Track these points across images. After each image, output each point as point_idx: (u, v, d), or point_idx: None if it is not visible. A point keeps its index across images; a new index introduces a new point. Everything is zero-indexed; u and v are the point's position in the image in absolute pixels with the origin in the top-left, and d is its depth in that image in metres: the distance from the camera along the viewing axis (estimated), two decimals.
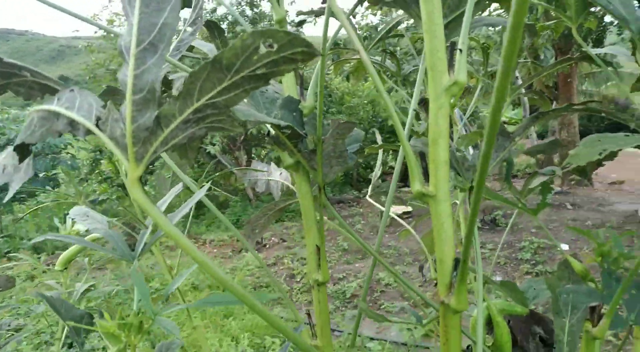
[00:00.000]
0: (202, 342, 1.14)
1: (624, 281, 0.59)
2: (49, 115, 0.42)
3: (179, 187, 0.65)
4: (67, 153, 8.38)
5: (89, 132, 0.40)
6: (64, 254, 1.20)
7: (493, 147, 0.37)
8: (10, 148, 0.46)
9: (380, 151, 1.28)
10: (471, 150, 0.88)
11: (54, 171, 8.19)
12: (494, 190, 0.79)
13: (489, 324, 0.77)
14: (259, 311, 0.43)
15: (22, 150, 0.43)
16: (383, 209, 1.13)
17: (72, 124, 0.41)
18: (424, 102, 0.93)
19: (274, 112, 0.66)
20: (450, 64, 0.51)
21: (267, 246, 6.35)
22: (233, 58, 0.37)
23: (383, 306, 4.47)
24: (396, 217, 1.35)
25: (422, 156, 0.52)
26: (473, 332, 0.76)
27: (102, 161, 8.28)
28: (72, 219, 1.33)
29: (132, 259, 0.52)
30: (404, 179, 8.51)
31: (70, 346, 3.50)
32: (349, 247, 6.09)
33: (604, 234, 0.73)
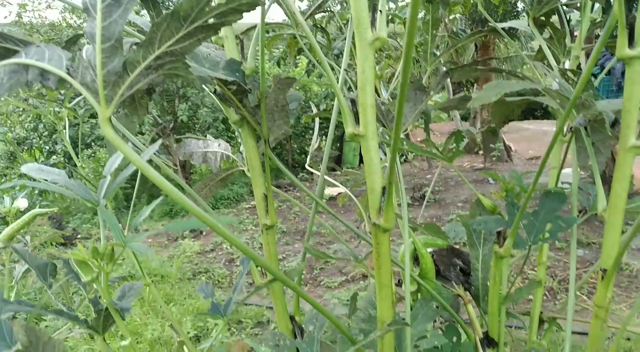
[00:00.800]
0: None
1: (521, 207, 0.71)
2: (18, 68, 0.46)
3: (129, 145, 0.70)
4: None
5: (60, 80, 0.45)
6: (8, 229, 1.20)
7: (407, 88, 0.45)
8: None
9: (317, 124, 1.37)
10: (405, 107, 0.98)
11: None
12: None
13: (417, 258, 0.88)
14: (221, 232, 0.51)
15: None
16: (318, 173, 1.22)
17: (43, 75, 0.46)
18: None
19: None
20: (373, 24, 0.60)
21: (204, 233, 6.31)
22: (189, 9, 0.44)
23: (323, 282, 4.62)
24: (333, 183, 1.45)
25: (353, 102, 0.61)
26: (402, 261, 0.87)
27: (21, 153, 7.82)
28: (14, 197, 1.31)
29: (97, 203, 0.58)
30: (338, 161, 8.71)
31: None
32: (287, 229, 6.18)
33: (509, 176, 0.86)
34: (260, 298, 4.51)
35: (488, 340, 0.80)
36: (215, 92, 0.70)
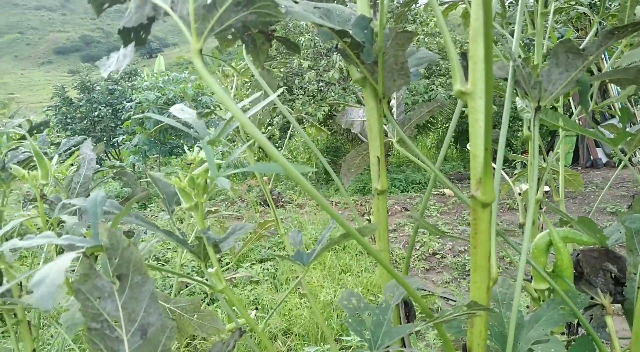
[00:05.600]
0: None
1: None
2: (141, 3, 0.53)
3: (257, 95, 0.75)
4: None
5: (166, 14, 0.50)
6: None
7: (491, 25, 0.39)
8: (127, 47, 0.58)
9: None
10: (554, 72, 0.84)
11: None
12: None
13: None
14: (306, 187, 0.51)
15: (124, 35, 0.55)
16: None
17: (155, 8, 0.51)
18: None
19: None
20: None
21: (390, 213, 6.42)
22: None
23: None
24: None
25: (463, 56, 0.54)
26: (534, 258, 0.76)
27: None
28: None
29: (208, 136, 0.63)
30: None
31: None
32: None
33: None
34: (435, 286, 4.43)
35: None
36: (336, 47, 0.69)
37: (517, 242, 0.74)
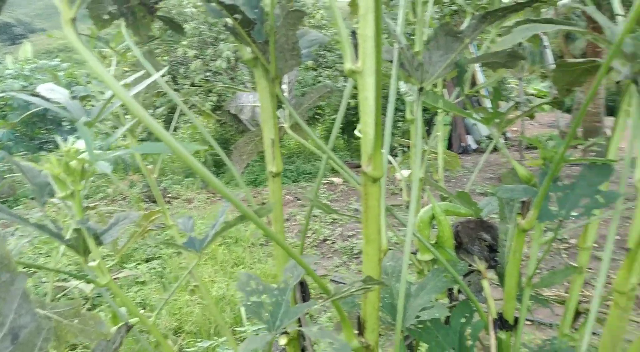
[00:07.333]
0: None
1: (549, 173, 0.62)
2: None
3: (139, 74, 0.70)
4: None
5: None
6: None
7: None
8: None
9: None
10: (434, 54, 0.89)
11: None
12: None
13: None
14: (196, 168, 0.48)
15: None
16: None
17: None
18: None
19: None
20: None
21: (283, 203, 6.47)
22: None
23: None
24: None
25: (354, 34, 0.56)
26: (419, 231, 0.81)
27: None
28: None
29: (88, 118, 0.58)
30: None
31: None
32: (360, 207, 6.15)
33: (551, 143, 0.75)
34: (327, 271, 4.55)
35: (502, 322, 0.72)
36: (226, 25, 0.67)
37: (405, 217, 0.78)
